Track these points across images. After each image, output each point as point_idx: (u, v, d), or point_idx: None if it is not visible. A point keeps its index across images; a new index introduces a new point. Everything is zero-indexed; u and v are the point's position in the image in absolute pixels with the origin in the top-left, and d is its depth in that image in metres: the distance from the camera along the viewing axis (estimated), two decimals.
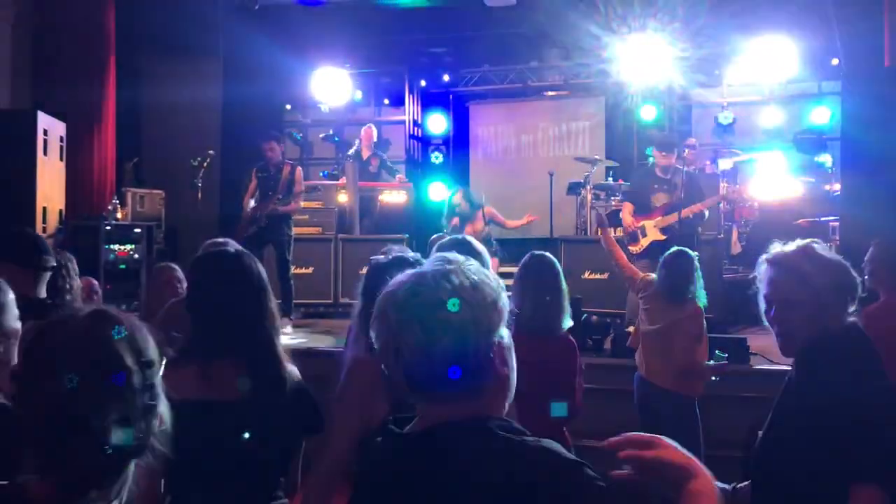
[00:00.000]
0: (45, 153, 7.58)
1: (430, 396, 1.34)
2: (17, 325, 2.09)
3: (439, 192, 11.66)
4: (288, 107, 12.84)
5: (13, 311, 2.11)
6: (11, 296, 2.13)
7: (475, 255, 3.10)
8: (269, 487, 2.33)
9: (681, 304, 4.44)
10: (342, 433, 2.23)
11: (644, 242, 6.54)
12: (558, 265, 3.78)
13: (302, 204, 7.78)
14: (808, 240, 2.13)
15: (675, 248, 4.59)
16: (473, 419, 1.31)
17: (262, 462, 2.25)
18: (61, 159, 8.02)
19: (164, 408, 1.36)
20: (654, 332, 4.49)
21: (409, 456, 1.33)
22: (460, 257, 1.39)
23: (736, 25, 10.60)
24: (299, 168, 7.67)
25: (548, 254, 3.84)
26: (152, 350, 1.34)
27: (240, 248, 2.69)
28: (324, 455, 2.28)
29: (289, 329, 6.87)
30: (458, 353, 1.29)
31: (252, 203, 7.53)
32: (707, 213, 6.72)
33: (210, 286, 2.40)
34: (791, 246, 2.11)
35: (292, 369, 2.38)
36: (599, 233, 5.17)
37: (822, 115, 10.62)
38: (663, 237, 6.43)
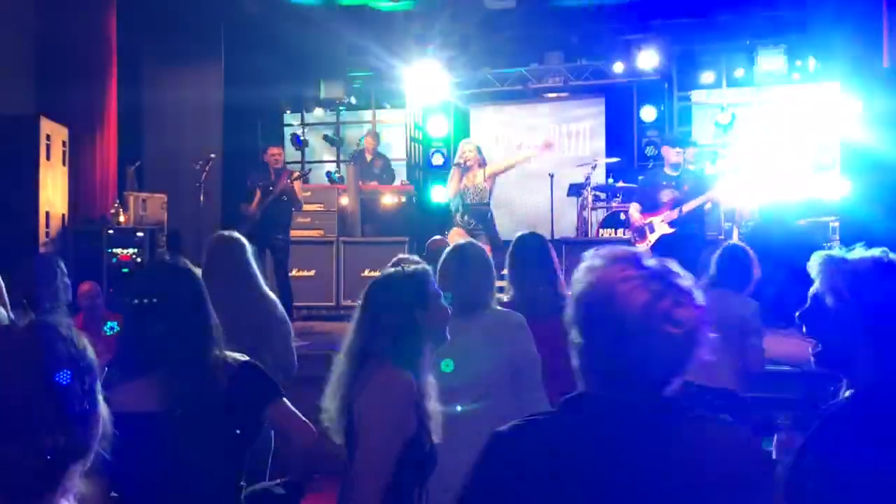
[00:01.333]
0: (47, 158, 7.62)
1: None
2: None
3: (441, 194, 11.68)
4: (288, 111, 12.88)
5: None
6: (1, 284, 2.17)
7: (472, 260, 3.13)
8: (224, 496, 2.30)
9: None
10: (384, 453, 2.22)
11: (652, 238, 6.65)
12: (546, 243, 3.78)
13: (303, 205, 7.80)
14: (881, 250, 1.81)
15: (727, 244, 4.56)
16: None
17: (206, 473, 2.23)
18: (64, 164, 8.05)
19: (104, 413, 1.36)
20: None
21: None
22: None
23: (736, 25, 10.64)
24: (296, 174, 7.70)
25: (535, 232, 3.88)
26: (90, 356, 1.35)
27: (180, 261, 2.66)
28: (363, 473, 2.25)
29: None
30: None
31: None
32: (710, 205, 6.79)
33: (135, 298, 2.38)
34: (856, 253, 1.83)
35: (231, 364, 2.35)
36: None
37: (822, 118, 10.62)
38: (671, 230, 6.53)
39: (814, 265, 1.85)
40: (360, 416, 2.28)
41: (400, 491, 2.26)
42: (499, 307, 3.18)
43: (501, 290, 3.63)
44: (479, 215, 7.23)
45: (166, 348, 2.25)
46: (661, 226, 6.65)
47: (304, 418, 2.41)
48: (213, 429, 2.22)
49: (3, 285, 3.23)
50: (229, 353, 2.40)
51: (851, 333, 1.76)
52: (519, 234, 3.90)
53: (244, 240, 3.72)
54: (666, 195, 6.71)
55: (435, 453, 2.34)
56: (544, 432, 1.44)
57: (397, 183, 10.83)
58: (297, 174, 7.68)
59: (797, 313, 1.88)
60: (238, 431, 2.27)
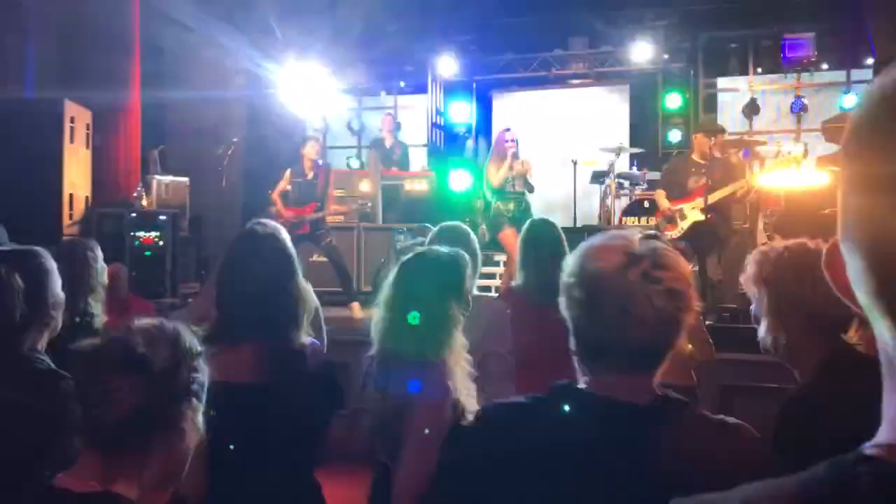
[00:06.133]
0: (71, 141, 7.66)
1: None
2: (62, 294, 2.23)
3: (462, 180, 11.64)
4: None
5: (59, 280, 2.21)
6: (54, 265, 2.19)
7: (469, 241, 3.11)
8: (302, 467, 2.36)
9: None
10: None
11: (684, 225, 6.55)
12: (558, 230, 3.77)
13: (336, 206, 7.88)
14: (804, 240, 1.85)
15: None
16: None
17: (289, 442, 2.27)
18: (87, 147, 8.09)
19: (201, 391, 1.44)
20: None
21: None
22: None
23: (764, 12, 10.48)
24: (331, 172, 7.80)
25: (547, 219, 3.87)
26: (194, 336, 1.46)
27: (274, 227, 2.64)
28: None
29: (360, 313, 7.15)
30: None
31: (280, 202, 7.59)
32: (743, 193, 6.73)
33: (235, 266, 2.42)
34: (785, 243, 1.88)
35: (314, 349, 2.40)
36: None
37: (851, 104, 10.47)
38: (704, 217, 6.44)
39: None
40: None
41: None
42: (483, 294, 3.17)
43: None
44: (519, 203, 7.52)
45: (260, 316, 2.27)
46: (692, 213, 6.55)
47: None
48: (298, 408, 2.24)
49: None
50: (310, 339, 2.42)
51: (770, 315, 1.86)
52: (531, 220, 3.95)
53: (279, 227, 3.63)
54: (697, 182, 6.63)
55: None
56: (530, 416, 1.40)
57: (417, 169, 10.79)
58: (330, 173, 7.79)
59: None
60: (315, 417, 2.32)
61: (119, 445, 1.35)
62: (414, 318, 2.24)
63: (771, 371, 5.32)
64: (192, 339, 1.46)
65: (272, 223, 3.77)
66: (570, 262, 1.42)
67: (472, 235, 3.30)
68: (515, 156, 7.45)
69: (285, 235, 2.52)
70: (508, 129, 7.66)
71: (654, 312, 1.28)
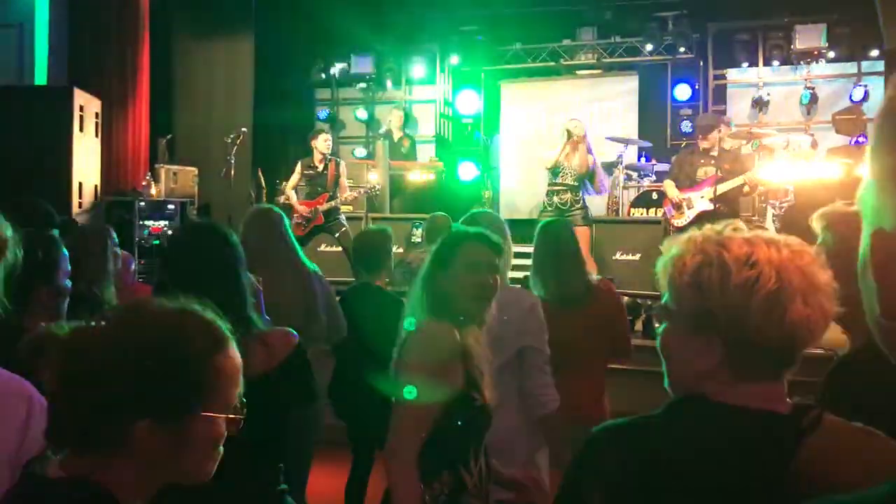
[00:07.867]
0: (80, 129, 7.68)
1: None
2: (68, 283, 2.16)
3: (469, 171, 11.61)
4: (319, 84, 12.76)
5: (66, 268, 2.16)
6: (64, 252, 2.16)
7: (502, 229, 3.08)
8: (265, 472, 2.21)
9: None
10: (424, 399, 2.22)
11: (690, 214, 6.55)
12: (573, 230, 3.77)
13: (348, 194, 7.92)
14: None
15: None
16: None
17: (248, 446, 2.18)
18: (97, 135, 8.11)
19: None
20: None
21: None
22: None
23: (775, 3, 10.41)
24: (343, 163, 7.90)
25: (561, 219, 3.83)
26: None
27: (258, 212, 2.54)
28: (401, 420, 2.22)
29: None
30: None
31: (294, 195, 7.75)
32: (748, 188, 6.72)
33: (176, 259, 2.34)
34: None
35: (271, 341, 2.24)
36: None
37: (862, 96, 10.39)
38: (712, 207, 6.42)
39: None
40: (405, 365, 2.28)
41: (452, 448, 2.23)
42: (512, 285, 3.13)
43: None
44: (562, 197, 7.25)
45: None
46: (700, 202, 6.53)
47: None
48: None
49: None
50: (277, 329, 2.31)
51: None
52: (543, 222, 3.80)
53: (280, 212, 3.78)
54: (706, 173, 6.62)
55: (488, 413, 2.31)
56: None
57: (425, 160, 10.77)
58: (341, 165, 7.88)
59: None
60: (269, 413, 2.16)
61: None
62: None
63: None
64: None
65: (266, 207, 3.86)
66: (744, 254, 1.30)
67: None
68: (575, 144, 7.19)
69: (226, 232, 2.39)
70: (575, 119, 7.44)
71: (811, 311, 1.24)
